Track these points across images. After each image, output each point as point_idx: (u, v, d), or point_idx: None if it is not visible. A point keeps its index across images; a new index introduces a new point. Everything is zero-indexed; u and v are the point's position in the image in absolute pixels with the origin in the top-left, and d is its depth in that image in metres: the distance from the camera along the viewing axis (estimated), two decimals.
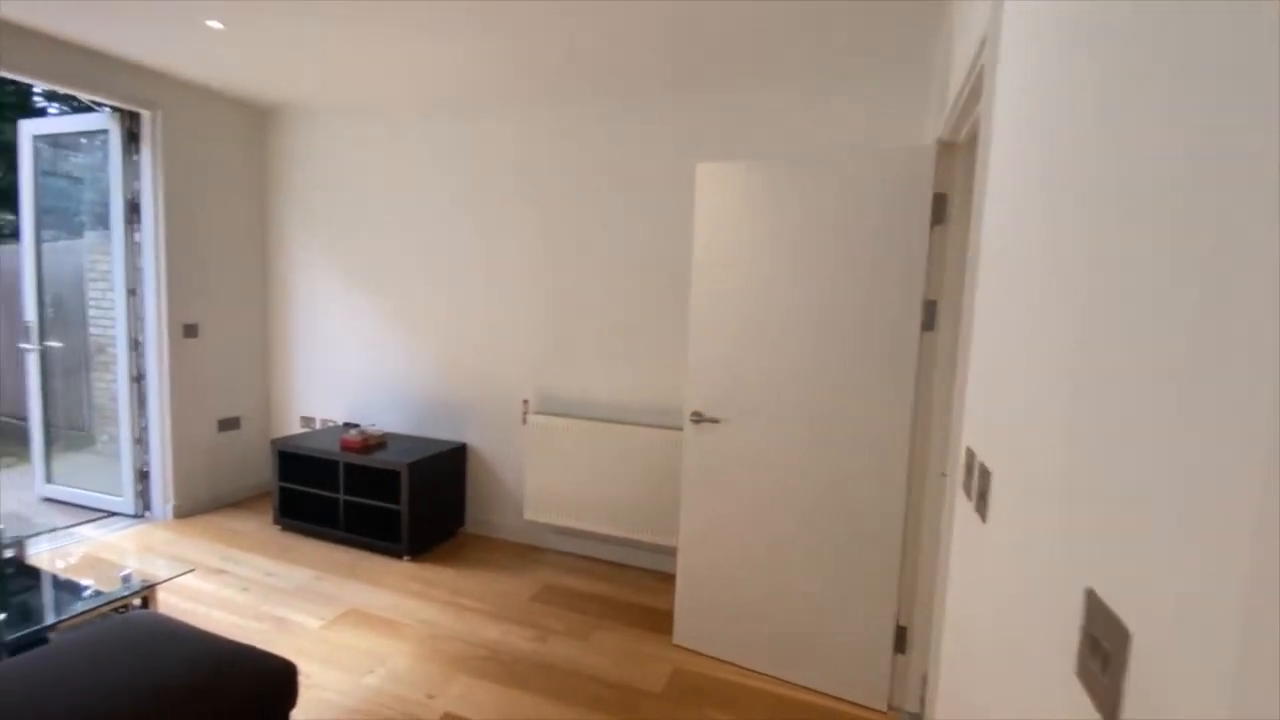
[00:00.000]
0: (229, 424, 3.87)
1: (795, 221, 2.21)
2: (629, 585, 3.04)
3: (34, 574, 2.25)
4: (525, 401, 3.41)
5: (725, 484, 2.38)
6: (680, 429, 2.94)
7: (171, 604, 2.59)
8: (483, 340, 3.50)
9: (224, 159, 3.71)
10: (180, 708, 1.39)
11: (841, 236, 2.14)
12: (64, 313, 3.74)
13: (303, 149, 3.86)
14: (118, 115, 3.35)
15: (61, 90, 3.11)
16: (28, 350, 3.76)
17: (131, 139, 3.39)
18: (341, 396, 3.90)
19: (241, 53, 2.94)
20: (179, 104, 3.43)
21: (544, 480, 3.26)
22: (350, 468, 3.34)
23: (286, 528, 3.49)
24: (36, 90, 7.55)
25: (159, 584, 2.21)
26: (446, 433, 3.63)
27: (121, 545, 3.23)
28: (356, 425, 3.70)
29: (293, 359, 4.02)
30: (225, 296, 3.78)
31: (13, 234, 6.45)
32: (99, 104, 3.31)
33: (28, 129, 3.61)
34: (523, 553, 3.37)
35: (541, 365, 3.38)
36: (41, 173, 3.68)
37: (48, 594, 2.13)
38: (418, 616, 2.67)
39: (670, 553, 3.09)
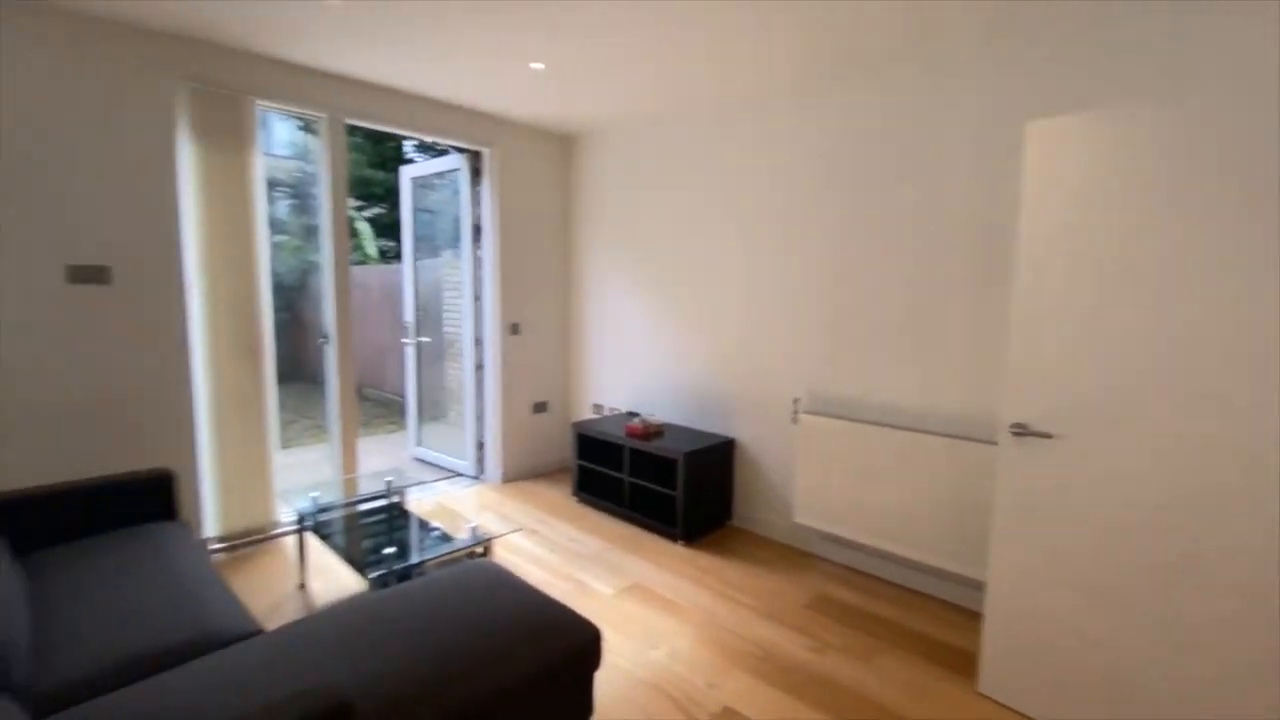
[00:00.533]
0: (540, 407, 4.54)
1: (1210, 184, 1.69)
2: (915, 612, 2.72)
3: (407, 517, 2.91)
4: (796, 400, 3.31)
5: (1061, 513, 1.95)
6: (984, 441, 2.53)
7: (500, 555, 3.12)
8: (752, 334, 3.49)
9: (539, 183, 4.35)
10: (514, 651, 1.63)
11: None
12: (429, 315, 4.81)
13: (596, 165, 4.32)
14: (465, 155, 4.16)
15: (428, 140, 3.97)
16: (407, 344, 4.94)
17: (475, 174, 4.18)
18: (625, 387, 4.28)
19: (557, 87, 3.38)
20: (508, 140, 4.13)
21: (815, 484, 3.12)
22: (633, 452, 3.64)
23: (582, 500, 3.96)
24: (408, 144, 9.90)
25: (496, 538, 2.67)
26: (716, 426, 3.72)
27: (464, 500, 4.03)
28: (638, 414, 4.01)
29: (587, 352, 4.55)
30: (539, 299, 4.44)
31: (396, 256, 8.64)
32: (453, 147, 4.15)
33: (406, 173, 4.72)
34: (791, 555, 3.28)
35: (814, 362, 3.23)
36: (414, 208, 4.78)
37: (416, 535, 2.73)
38: (694, 601, 2.77)
39: (968, 584, 2.68)
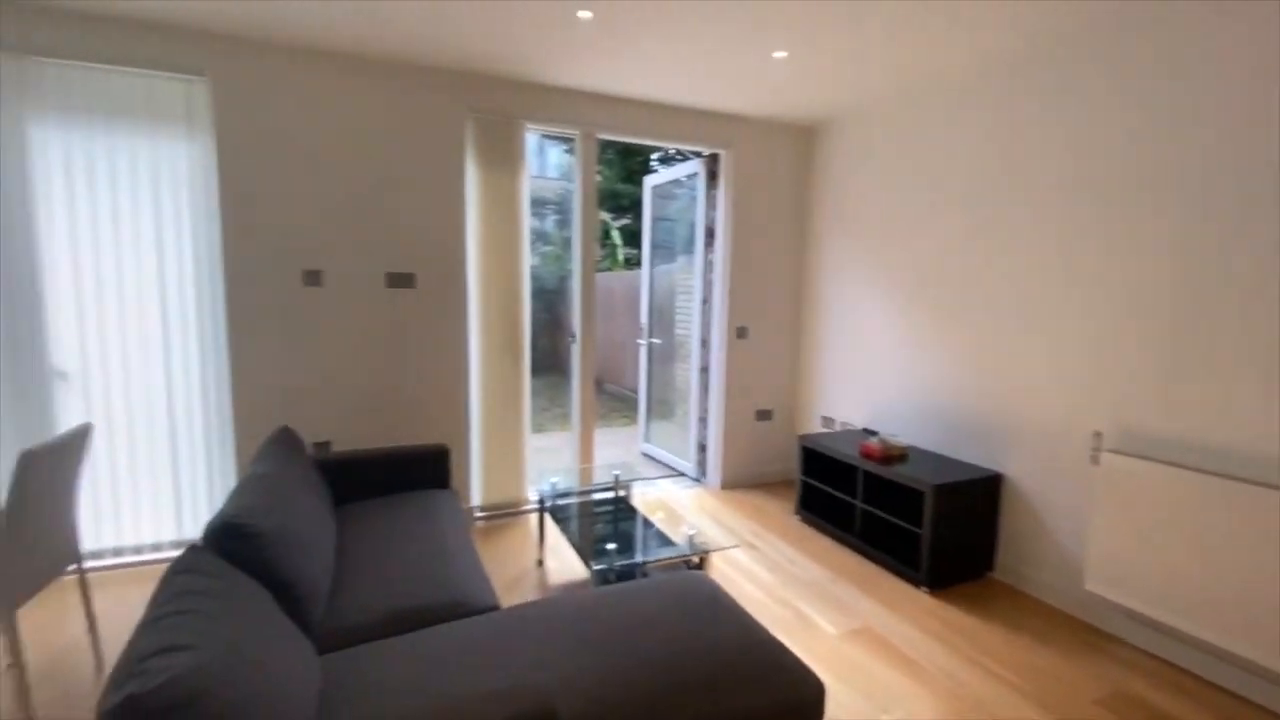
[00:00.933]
0: (764, 415, 4.37)
1: None
2: None
3: (633, 514, 2.97)
4: (1097, 434, 2.59)
5: None
6: None
7: (716, 565, 3.03)
8: (1034, 347, 2.84)
9: (774, 181, 4.17)
10: (722, 685, 1.49)
11: None
12: (663, 318, 4.96)
13: (838, 158, 3.98)
14: (703, 159, 4.17)
15: (670, 146, 4.06)
16: (640, 344, 5.16)
17: (712, 177, 4.16)
18: (861, 400, 3.87)
19: (800, 74, 3.18)
20: (745, 139, 4.02)
21: (1119, 544, 2.40)
22: (869, 476, 3.25)
23: (805, 520, 3.68)
24: (653, 157, 10.45)
25: (714, 551, 2.58)
26: (976, 456, 3.12)
27: (684, 501, 4.04)
28: (875, 433, 3.59)
29: (818, 360, 4.23)
30: (768, 303, 4.26)
31: (636, 262, 9.21)
32: (692, 152, 4.18)
33: (649, 182, 4.91)
34: (1078, 630, 2.58)
35: (1126, 385, 2.49)
36: (653, 217, 4.95)
37: (639, 533, 2.76)
38: (937, 662, 2.34)
39: None
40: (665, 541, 2.63)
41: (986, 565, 3.04)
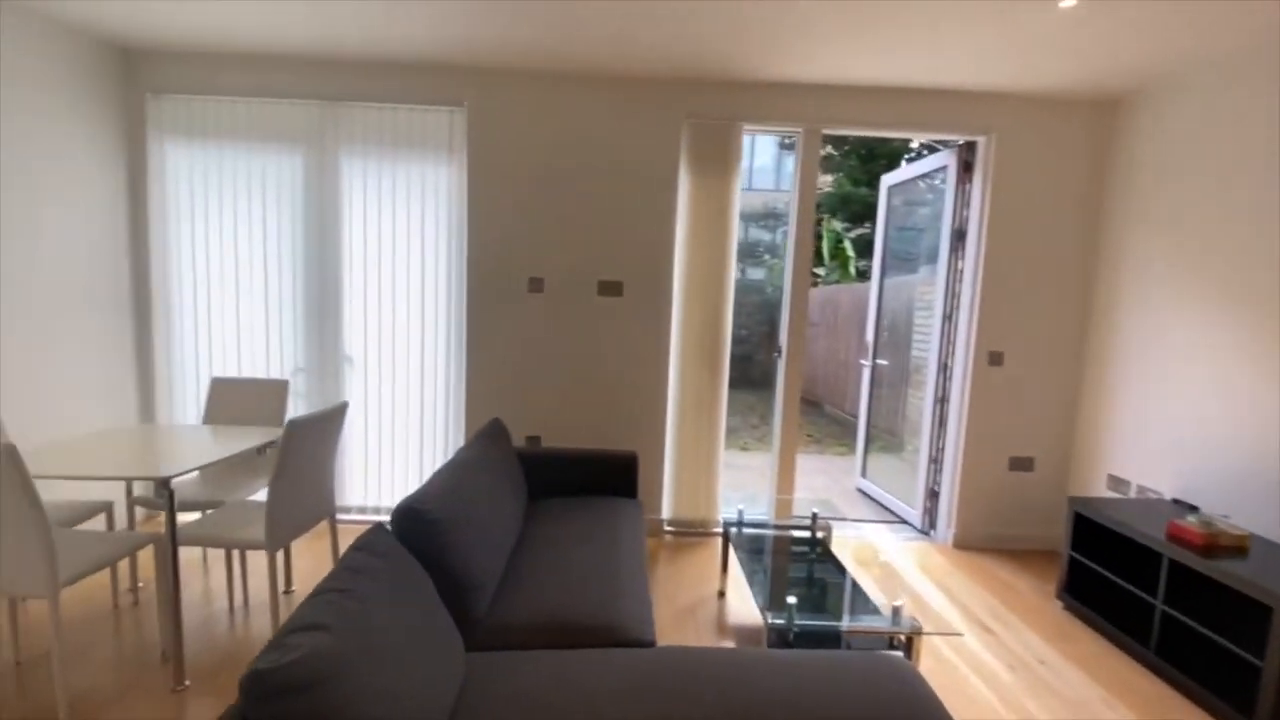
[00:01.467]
0: (1021, 464, 3.50)
1: None
2: None
3: (829, 562, 2.55)
4: None
5: None
6: None
7: (930, 649, 2.46)
8: None
9: (1051, 171, 3.32)
10: None
11: None
12: (895, 336, 4.33)
13: (1151, 140, 2.99)
14: (954, 150, 3.51)
15: (913, 137, 3.50)
16: (864, 365, 4.58)
17: (966, 169, 3.49)
18: (1173, 460, 2.84)
19: (1095, 34, 2.45)
20: (1011, 121, 3.28)
21: None
22: (1178, 569, 2.34)
23: (1069, 607, 2.83)
24: (905, 158, 9.42)
25: (931, 633, 2.07)
26: None
27: (901, 555, 3.42)
28: (1195, 509, 2.60)
29: (1109, 400, 3.25)
30: (1034, 322, 3.41)
31: (866, 274, 8.35)
32: (940, 143, 3.56)
33: (886, 181, 4.33)
34: None
35: None
36: (890, 222, 4.35)
37: (832, 589, 2.35)
38: None
39: None
40: (865, 605, 2.19)
41: None
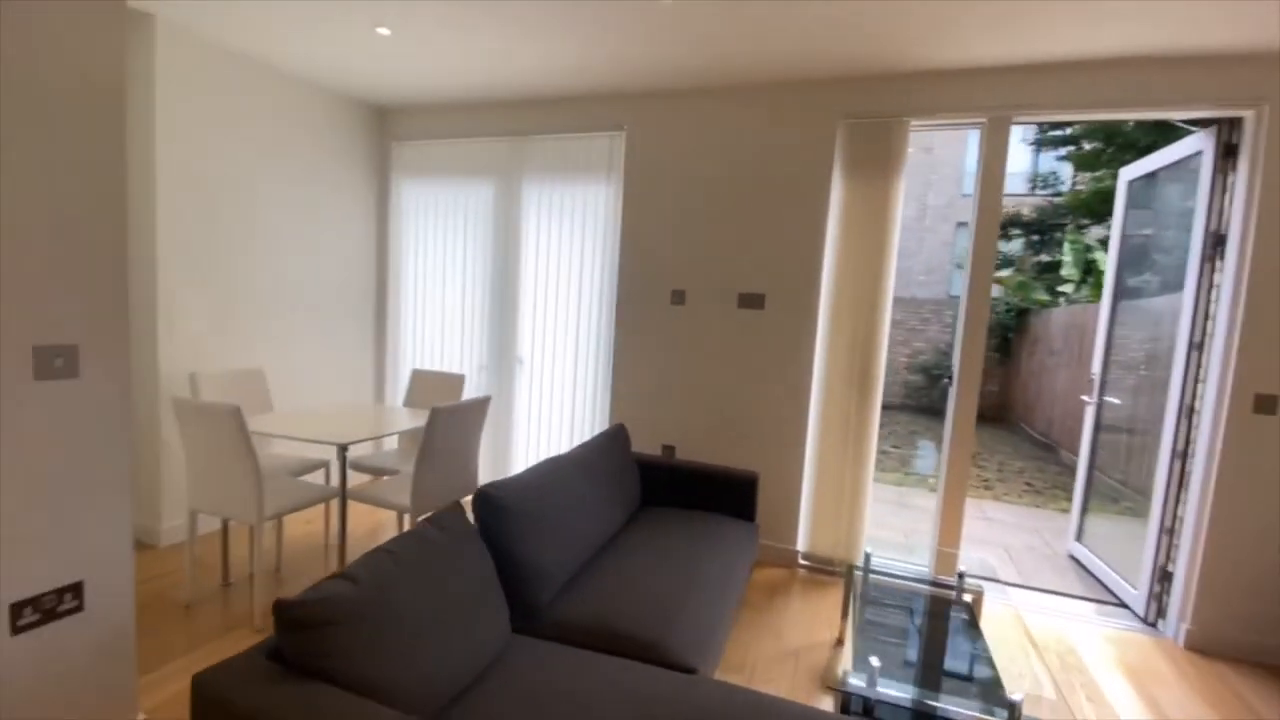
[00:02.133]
0: None
1: None
2: None
3: (971, 636, 2.13)
4: None
5: None
6: None
7: None
8: None
9: None
10: None
11: None
12: (1139, 370, 3.38)
13: None
14: (1213, 130, 2.69)
15: (1148, 117, 2.77)
16: (1087, 402, 3.70)
17: (1228, 154, 2.65)
18: None
19: None
20: None
21: None
22: None
23: None
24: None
25: None
26: None
27: (1100, 647, 2.68)
28: None
29: None
30: None
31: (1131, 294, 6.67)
32: (1191, 124, 2.75)
33: (1124, 176, 3.47)
34: None
35: None
36: (1129, 227, 3.45)
37: (951, 664, 1.96)
38: None
39: None
40: (987, 693, 1.80)
41: None
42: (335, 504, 2.75)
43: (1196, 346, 2.77)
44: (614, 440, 2.82)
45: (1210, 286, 2.73)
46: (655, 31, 2.61)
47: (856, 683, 1.74)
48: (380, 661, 1.27)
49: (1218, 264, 2.69)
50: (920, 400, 9.90)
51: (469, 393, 3.79)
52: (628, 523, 2.63)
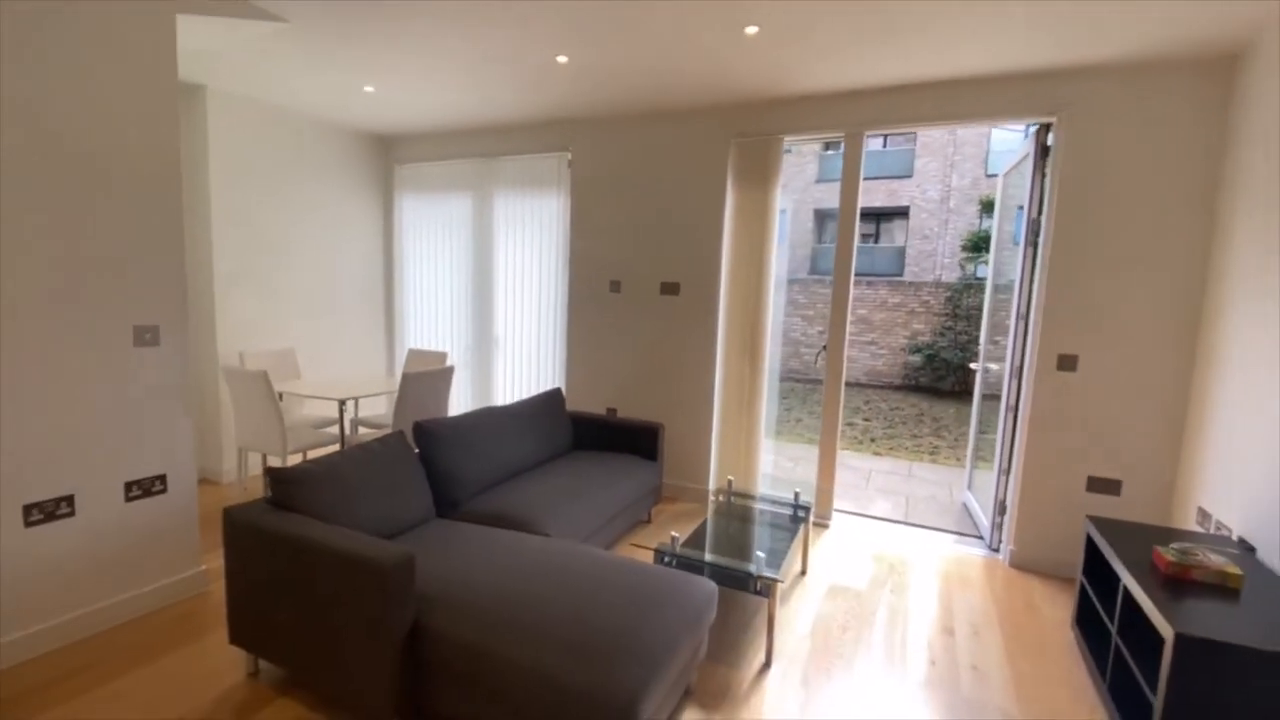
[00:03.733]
0: (1104, 485, 3.07)
1: None
2: None
3: (788, 532, 2.82)
4: None
5: None
6: None
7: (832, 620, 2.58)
8: None
9: (1145, 151, 2.87)
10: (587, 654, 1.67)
11: None
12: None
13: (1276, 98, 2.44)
14: (1035, 134, 3.23)
15: (980, 126, 3.32)
16: (974, 368, 4.25)
17: (1043, 154, 3.19)
18: (1246, 497, 2.34)
19: None
20: (1089, 95, 2.94)
21: None
22: (1131, 604, 2.08)
23: (1078, 640, 2.56)
24: None
25: (776, 581, 2.32)
26: None
27: (934, 565, 3.29)
28: (1253, 549, 2.18)
29: (1213, 420, 2.71)
30: (1123, 326, 2.98)
31: None
32: (1009, 129, 3.29)
33: (1000, 172, 3.97)
34: None
35: None
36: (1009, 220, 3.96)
37: (755, 543, 2.67)
38: None
39: None
40: (760, 559, 2.50)
41: None
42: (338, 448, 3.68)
43: (1022, 317, 3.33)
44: (549, 398, 3.63)
45: (1032, 266, 3.28)
46: (562, 80, 3.36)
47: (661, 549, 2.49)
48: (333, 506, 2.12)
49: (1037, 248, 3.24)
50: (915, 381, 10.24)
51: (456, 367, 4.68)
52: (554, 458, 3.43)
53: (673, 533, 2.53)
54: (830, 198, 15.06)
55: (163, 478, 2.53)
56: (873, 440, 6.52)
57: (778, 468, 5.25)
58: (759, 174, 3.67)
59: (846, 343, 3.66)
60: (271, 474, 2.09)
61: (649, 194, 4.02)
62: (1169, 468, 2.95)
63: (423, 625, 1.79)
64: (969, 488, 4.26)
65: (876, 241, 15.71)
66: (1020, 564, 3.26)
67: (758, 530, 2.89)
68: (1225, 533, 2.42)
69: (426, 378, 3.52)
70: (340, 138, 4.65)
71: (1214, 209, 2.79)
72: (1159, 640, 1.93)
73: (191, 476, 2.63)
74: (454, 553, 2.18)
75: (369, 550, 1.78)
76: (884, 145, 15.36)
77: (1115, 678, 2.13)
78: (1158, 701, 1.72)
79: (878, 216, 15.47)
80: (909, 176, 14.76)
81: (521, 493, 2.82)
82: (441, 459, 2.70)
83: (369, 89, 3.67)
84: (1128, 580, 2.04)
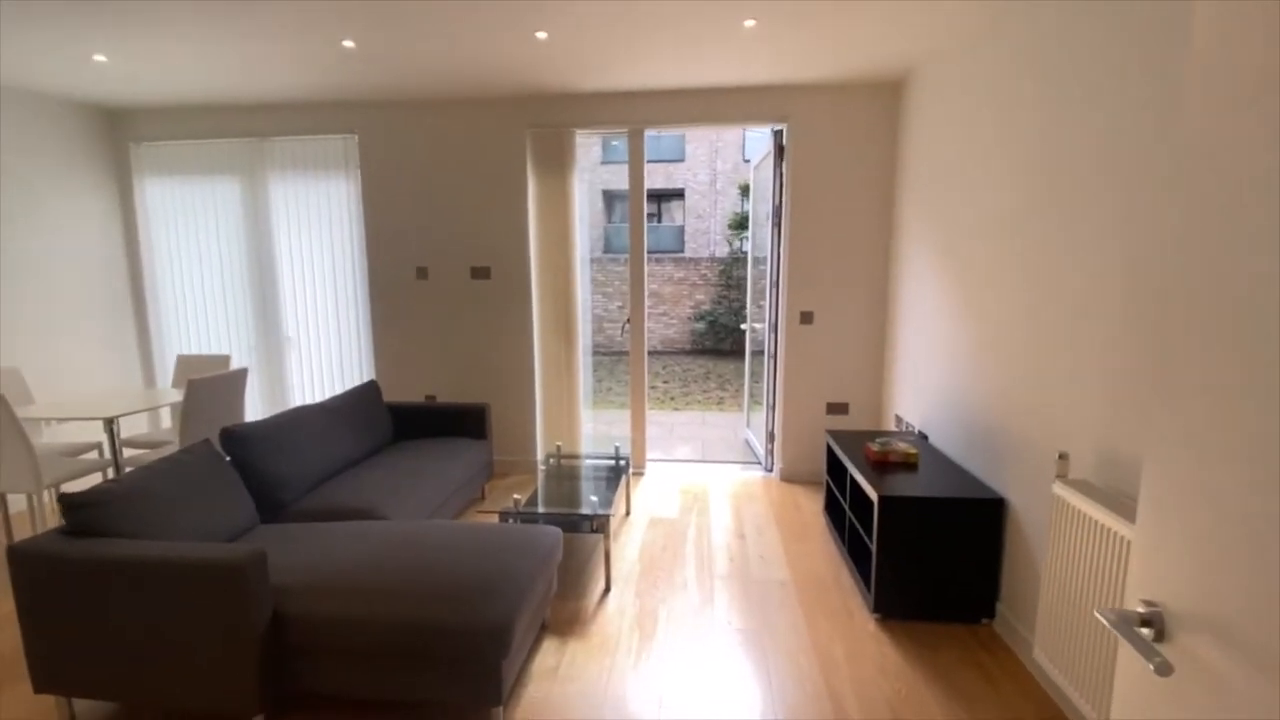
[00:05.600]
0: (838, 408, 4.03)
1: None
2: None
3: (612, 481, 3.24)
4: (1062, 456, 1.95)
5: None
6: None
7: (665, 524, 3.13)
8: (1034, 356, 2.20)
9: (847, 151, 3.78)
10: (433, 601, 1.85)
11: None
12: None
13: (919, 114, 3.41)
14: (774, 135, 4.01)
15: (730, 128, 4.02)
16: (743, 329, 5.13)
17: (780, 153, 3.98)
18: (922, 402, 3.33)
19: (877, 31, 2.89)
20: (810, 108, 3.76)
21: (1061, 601, 1.80)
22: (853, 484, 2.89)
23: (828, 523, 3.40)
24: None
25: (608, 516, 2.75)
26: (992, 477, 2.52)
27: (727, 489, 4.03)
28: (926, 436, 3.10)
29: (894, 352, 3.73)
30: (841, 286, 3.90)
31: None
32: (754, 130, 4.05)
33: (752, 163, 4.81)
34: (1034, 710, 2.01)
35: (1095, 401, 1.82)
36: (761, 202, 4.84)
37: (584, 493, 3.06)
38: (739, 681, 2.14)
39: None
40: (588, 503, 2.87)
41: (986, 611, 2.47)
42: (111, 473, 3.20)
43: (774, 285, 4.15)
44: (364, 392, 3.57)
45: (778, 242, 4.10)
46: (347, 63, 3.27)
47: (506, 510, 2.74)
48: (143, 525, 1.97)
49: (781, 228, 4.05)
50: (702, 345, 11.60)
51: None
52: (377, 450, 3.41)
53: (515, 495, 2.78)
54: (615, 179, 16.01)
55: None
56: (672, 399, 7.37)
57: (597, 432, 5.73)
58: (556, 162, 3.97)
59: (646, 315, 4.18)
60: (64, 500, 1.87)
61: (452, 179, 4.08)
62: (878, 390, 3.99)
63: (281, 614, 1.83)
64: (748, 426, 5.16)
65: (659, 221, 17.11)
66: (788, 478, 4.13)
67: (586, 484, 3.26)
68: (910, 429, 3.42)
69: (217, 383, 3.22)
70: (49, 110, 3.84)
71: (891, 200, 3.80)
72: (872, 505, 2.73)
73: None
74: (297, 549, 2.17)
75: (217, 554, 1.75)
76: (658, 131, 16.74)
77: (851, 541, 2.94)
78: (874, 545, 2.48)
79: (658, 198, 16.84)
80: (682, 160, 16.29)
81: (351, 486, 2.82)
82: (258, 463, 2.58)
83: (99, 58, 3.15)
84: (851, 469, 2.82)
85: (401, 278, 4.20)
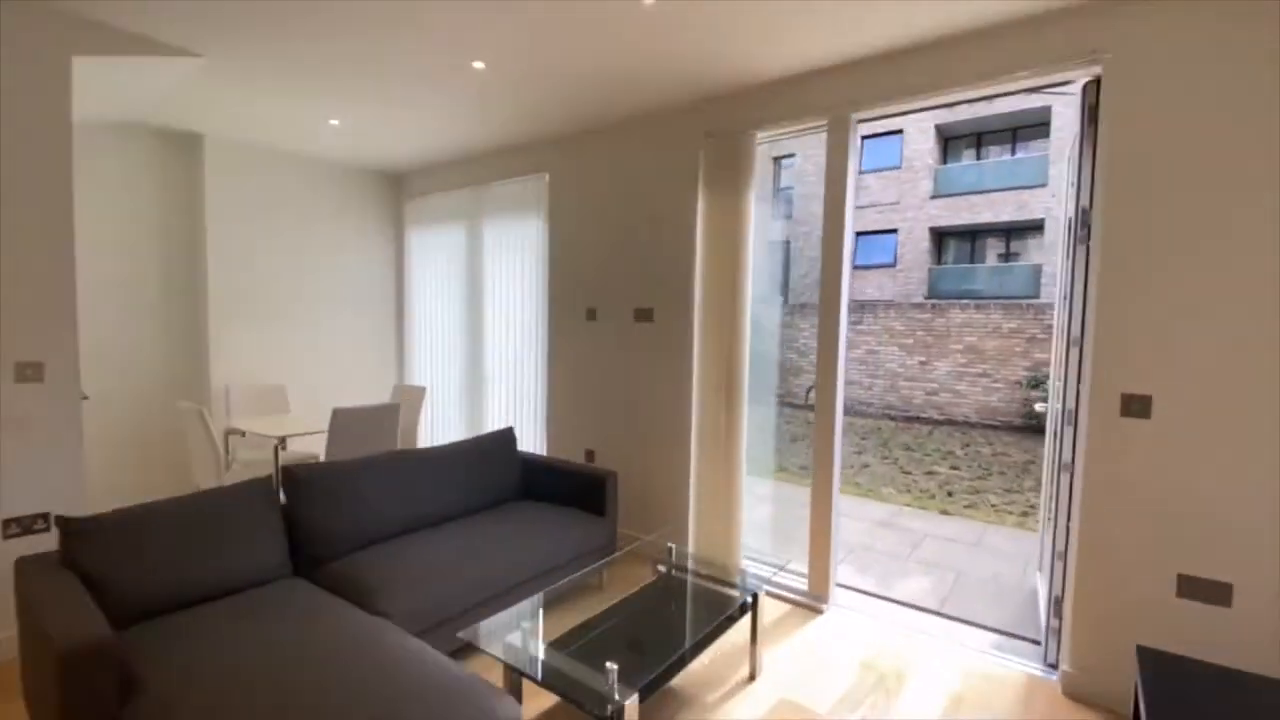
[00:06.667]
0: (1201, 590, 2.07)
1: None
2: None
3: (710, 624, 2.17)
4: None
5: None
6: None
7: None
8: None
9: (1226, 106, 1.95)
10: None
11: None
12: None
13: None
14: (1082, 91, 2.37)
15: (1006, 92, 2.53)
16: (1039, 409, 3.22)
17: (1091, 117, 2.32)
18: None
19: None
20: (1140, 37, 2.08)
21: None
22: None
23: None
24: None
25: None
26: None
27: (975, 685, 2.40)
28: None
29: None
30: (1209, 355, 2.02)
31: None
32: (1043, 89, 2.46)
33: None
34: None
35: None
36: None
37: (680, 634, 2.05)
38: None
39: None
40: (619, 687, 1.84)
41: None
42: None
43: (1075, 343, 2.41)
44: (495, 440, 3.27)
45: (1085, 274, 2.37)
46: (530, 93, 3.09)
47: (512, 640, 1.96)
48: (122, 562, 1.89)
49: (1090, 247, 2.34)
50: (1034, 421, 8.57)
51: (448, 403, 4.52)
52: (484, 509, 3.01)
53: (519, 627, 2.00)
54: (947, 214, 13.64)
55: (45, 516, 2.48)
56: (949, 495, 5.34)
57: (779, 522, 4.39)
58: (726, 179, 3.09)
59: (841, 376, 2.90)
60: (60, 523, 1.91)
61: (620, 212, 3.60)
62: None
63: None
64: (1040, 567, 3.21)
65: (1009, 259, 13.85)
66: (1076, 693, 2.28)
67: (691, 613, 2.27)
68: None
69: (361, 414, 3.32)
70: (349, 177, 4.75)
71: None
72: None
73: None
74: (250, 629, 1.84)
75: (55, 626, 1.49)
76: (1012, 154, 13.70)
77: None
78: None
79: (1007, 232, 13.67)
80: (1044, 185, 12.82)
81: (397, 555, 2.42)
82: (306, 509, 2.41)
83: (334, 122, 3.65)
84: None
85: (574, 319, 3.86)
